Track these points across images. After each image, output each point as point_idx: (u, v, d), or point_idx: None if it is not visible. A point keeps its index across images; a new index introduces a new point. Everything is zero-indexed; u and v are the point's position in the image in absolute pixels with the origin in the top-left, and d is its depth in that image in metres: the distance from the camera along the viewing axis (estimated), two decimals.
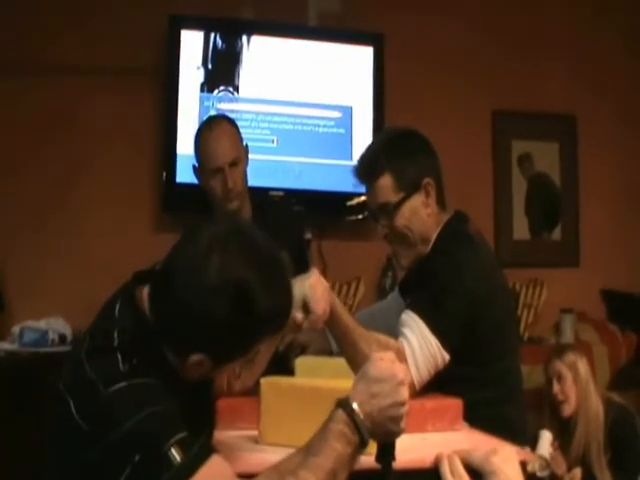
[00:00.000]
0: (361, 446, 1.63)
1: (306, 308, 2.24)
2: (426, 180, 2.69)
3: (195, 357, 1.68)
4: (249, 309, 1.65)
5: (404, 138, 2.79)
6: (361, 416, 1.62)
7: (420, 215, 2.68)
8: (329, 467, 1.58)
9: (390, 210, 2.67)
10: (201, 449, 1.60)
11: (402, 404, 1.65)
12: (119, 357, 1.66)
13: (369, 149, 2.84)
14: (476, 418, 2.33)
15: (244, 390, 2.14)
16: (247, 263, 1.68)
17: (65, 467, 1.70)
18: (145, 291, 1.76)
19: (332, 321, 2.36)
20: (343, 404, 1.64)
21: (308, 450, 1.62)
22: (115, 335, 1.70)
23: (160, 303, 1.72)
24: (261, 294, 1.66)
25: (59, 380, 1.72)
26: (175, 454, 1.55)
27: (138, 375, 1.64)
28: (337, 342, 2.48)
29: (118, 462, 1.56)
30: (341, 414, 1.63)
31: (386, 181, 2.67)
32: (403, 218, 2.67)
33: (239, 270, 1.66)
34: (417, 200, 2.68)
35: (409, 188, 2.67)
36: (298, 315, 2.21)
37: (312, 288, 2.25)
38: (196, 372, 1.73)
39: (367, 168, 2.75)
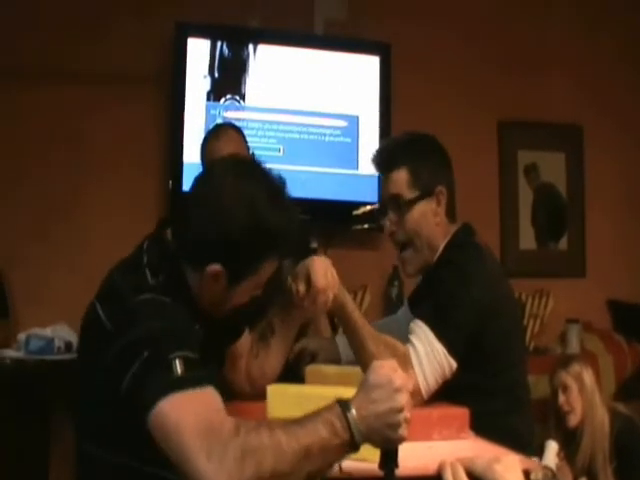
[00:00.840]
0: (351, 447, 1.65)
1: (309, 282, 2.29)
2: (439, 188, 2.72)
3: (212, 268, 1.87)
4: (260, 221, 1.88)
5: (427, 142, 2.84)
6: (356, 419, 1.64)
7: (429, 221, 2.71)
8: (306, 443, 1.61)
9: (400, 205, 2.70)
10: (202, 375, 1.71)
11: (399, 410, 1.66)
12: (147, 273, 1.90)
13: (392, 140, 2.93)
14: (483, 429, 2.33)
15: (264, 378, 2.32)
16: (258, 184, 1.93)
17: (89, 371, 1.89)
18: (169, 231, 2.01)
19: (342, 316, 2.42)
20: (342, 403, 1.66)
21: (292, 421, 1.65)
22: (144, 259, 1.94)
23: (180, 220, 1.98)
24: (270, 211, 1.90)
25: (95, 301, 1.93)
26: (178, 366, 1.68)
27: (164, 294, 1.85)
28: (348, 339, 2.51)
29: (130, 357, 1.71)
30: (337, 408, 1.65)
31: (402, 175, 2.71)
32: (412, 219, 2.70)
33: (252, 188, 1.91)
34: (428, 205, 2.71)
35: (423, 190, 2.70)
36: (301, 287, 2.28)
37: (315, 261, 2.31)
38: (213, 291, 1.92)
39: (386, 157, 2.80)
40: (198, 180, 2.00)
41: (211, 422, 1.61)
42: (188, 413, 1.63)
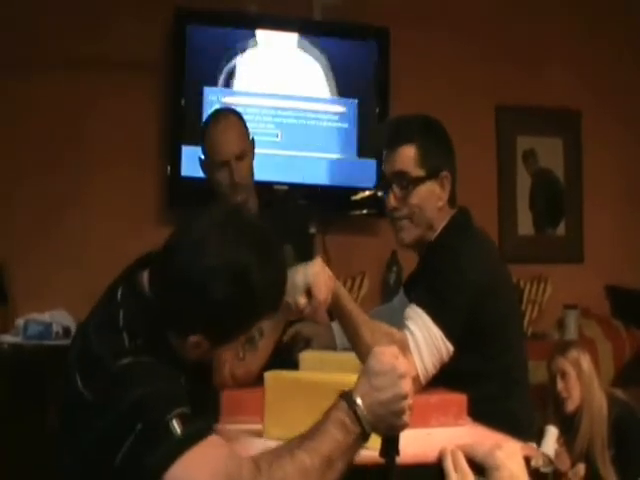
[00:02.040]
0: (362, 439, 1.65)
1: (309, 293, 2.27)
2: (445, 173, 2.71)
3: (193, 339, 1.75)
4: (247, 288, 1.73)
5: (438, 126, 2.81)
6: (362, 408, 1.63)
7: (432, 203, 2.69)
8: (326, 452, 1.59)
9: (407, 181, 2.67)
10: (202, 426, 1.64)
11: (403, 397, 1.65)
12: (125, 336, 1.73)
13: (404, 116, 2.88)
14: (480, 413, 2.32)
15: (248, 377, 2.27)
16: (244, 244, 1.76)
17: (72, 443, 1.74)
18: (146, 275, 1.82)
19: (337, 307, 2.41)
20: (346, 396, 1.65)
21: (307, 435, 1.63)
22: (120, 316, 1.77)
23: (160, 284, 1.79)
24: (258, 274, 1.74)
25: (67, 359, 1.81)
26: (176, 426, 1.59)
27: (144, 354, 1.71)
28: (343, 329, 2.51)
29: (121, 432, 1.60)
30: (343, 404, 1.64)
31: (410, 151, 2.68)
32: (417, 197, 2.67)
33: (237, 251, 1.74)
34: (433, 187, 2.69)
35: (429, 170, 2.68)
36: (301, 300, 2.25)
37: (315, 274, 2.28)
38: (195, 353, 1.79)
39: (396, 130, 2.77)
40: (180, 236, 1.83)
41: (229, 472, 1.57)
42: (202, 470, 1.57)
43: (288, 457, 1.58)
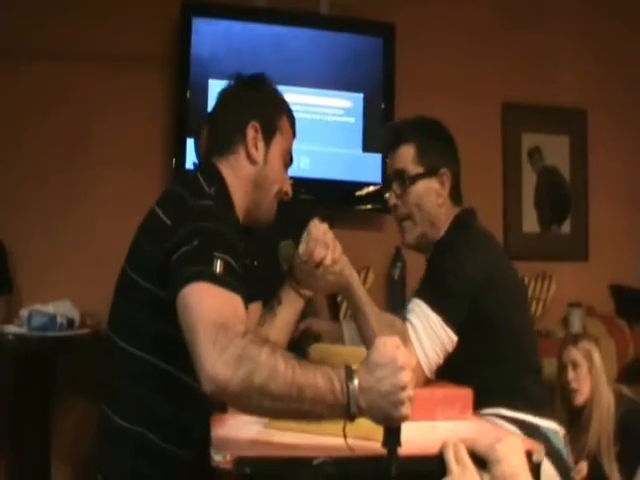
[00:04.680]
0: (346, 415, 1.67)
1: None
2: (444, 170, 2.77)
3: (250, 127, 2.31)
4: (266, 91, 2.46)
5: (437, 125, 2.89)
6: (356, 388, 1.65)
7: (431, 199, 2.75)
8: (300, 381, 1.66)
9: (405, 179, 2.75)
10: (236, 284, 1.88)
11: (402, 388, 1.65)
12: (204, 183, 2.19)
13: (403, 120, 3.00)
14: (494, 391, 2.43)
15: None
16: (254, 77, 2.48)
17: (142, 257, 2.12)
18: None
19: (347, 293, 2.46)
20: (348, 370, 1.68)
21: (295, 358, 1.72)
22: (199, 174, 2.25)
23: (210, 126, 2.43)
24: (268, 88, 2.47)
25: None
26: (218, 265, 1.88)
27: (220, 205, 2.10)
28: (352, 316, 2.55)
29: (182, 242, 1.95)
30: (341, 372, 1.68)
31: (409, 150, 2.77)
32: (415, 194, 2.75)
33: (254, 78, 2.47)
34: (431, 184, 2.76)
35: (427, 168, 2.75)
36: (302, 246, 2.37)
37: (315, 223, 2.39)
38: (254, 153, 2.31)
39: (395, 132, 2.86)
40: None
41: (227, 319, 1.75)
42: (212, 303, 1.80)
43: (269, 350, 1.69)
